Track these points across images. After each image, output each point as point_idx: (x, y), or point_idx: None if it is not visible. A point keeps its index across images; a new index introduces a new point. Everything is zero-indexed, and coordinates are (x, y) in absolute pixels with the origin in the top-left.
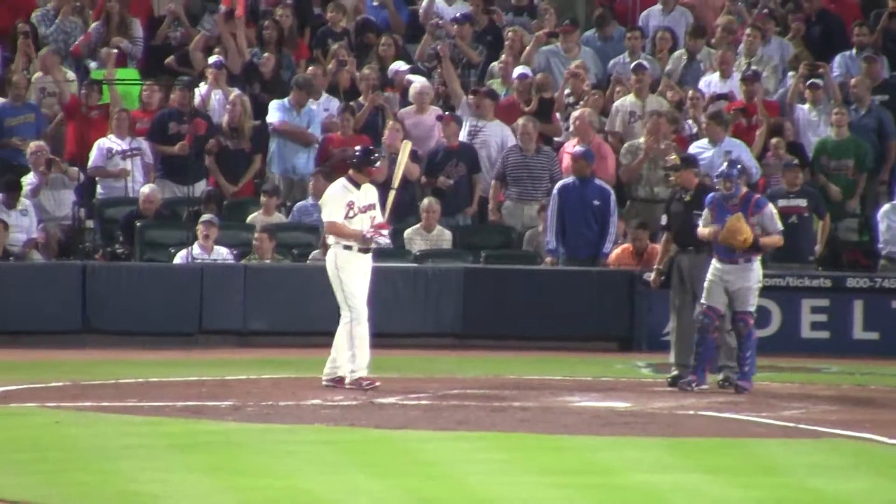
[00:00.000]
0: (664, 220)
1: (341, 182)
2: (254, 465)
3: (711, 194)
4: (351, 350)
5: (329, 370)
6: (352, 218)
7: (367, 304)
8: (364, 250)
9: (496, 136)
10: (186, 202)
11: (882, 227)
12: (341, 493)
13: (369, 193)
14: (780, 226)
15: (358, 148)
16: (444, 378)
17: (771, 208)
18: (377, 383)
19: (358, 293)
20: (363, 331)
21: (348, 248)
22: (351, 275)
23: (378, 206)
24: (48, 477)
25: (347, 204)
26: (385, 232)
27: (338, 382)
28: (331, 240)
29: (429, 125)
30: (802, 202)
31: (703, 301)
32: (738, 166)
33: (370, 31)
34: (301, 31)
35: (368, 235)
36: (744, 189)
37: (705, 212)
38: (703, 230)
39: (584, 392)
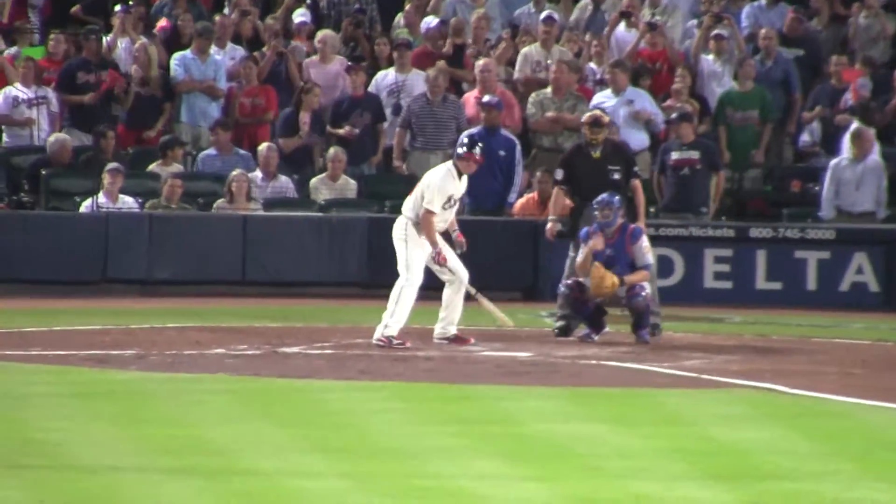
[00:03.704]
0: (560, 174)
1: (447, 169)
2: (157, 413)
3: (585, 228)
4: (393, 307)
5: (439, 330)
6: (445, 209)
7: (465, 266)
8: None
9: (419, 87)
10: (93, 150)
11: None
12: (244, 443)
13: (463, 184)
14: (650, 260)
15: (465, 139)
16: (348, 328)
17: (644, 240)
18: (408, 343)
19: (416, 262)
20: (411, 294)
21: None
22: (416, 247)
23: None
24: None
25: (448, 196)
26: (447, 263)
27: (452, 341)
28: (406, 210)
29: (333, 74)
30: (695, 154)
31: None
32: (617, 197)
33: None
34: None
35: (437, 259)
36: (620, 220)
37: (582, 245)
38: (580, 263)
39: (487, 342)
